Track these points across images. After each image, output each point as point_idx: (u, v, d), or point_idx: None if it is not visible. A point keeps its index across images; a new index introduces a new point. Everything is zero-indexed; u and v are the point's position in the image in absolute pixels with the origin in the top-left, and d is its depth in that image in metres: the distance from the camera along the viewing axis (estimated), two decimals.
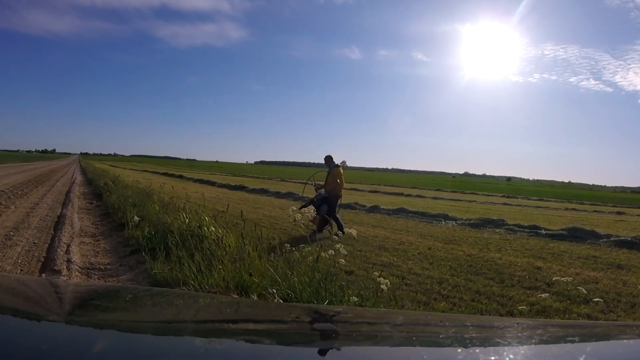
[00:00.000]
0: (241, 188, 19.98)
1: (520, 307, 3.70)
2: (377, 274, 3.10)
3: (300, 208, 4.33)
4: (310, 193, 8.68)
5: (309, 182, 8.61)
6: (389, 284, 2.98)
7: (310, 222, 6.18)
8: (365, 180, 40.22)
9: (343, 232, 6.61)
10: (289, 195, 15.99)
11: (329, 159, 7.95)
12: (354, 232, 3.81)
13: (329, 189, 7.69)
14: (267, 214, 10.20)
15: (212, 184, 23.02)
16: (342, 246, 3.16)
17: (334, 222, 7.40)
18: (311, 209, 3.70)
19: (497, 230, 9.30)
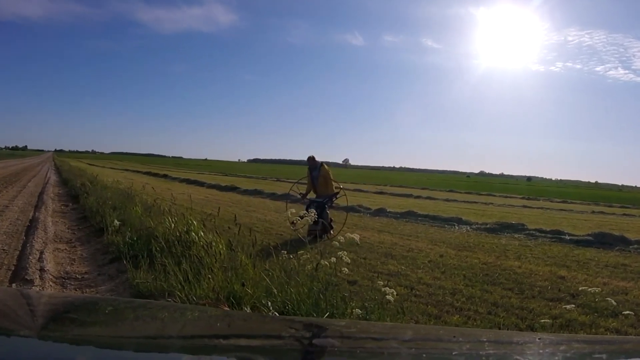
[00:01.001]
0: (233, 189, 19.98)
1: (542, 321, 3.69)
2: (382, 283, 3.09)
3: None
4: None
5: (293, 189, 8.75)
6: (396, 295, 2.98)
7: (300, 227, 6.30)
8: (370, 180, 40.27)
9: (328, 235, 6.67)
10: (285, 197, 15.93)
11: (312, 159, 8.00)
12: (356, 237, 3.80)
13: (322, 192, 7.75)
14: (262, 218, 10.22)
15: (201, 184, 23.03)
16: (345, 253, 3.16)
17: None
18: (311, 214, 3.69)
19: (516, 235, 9.31)
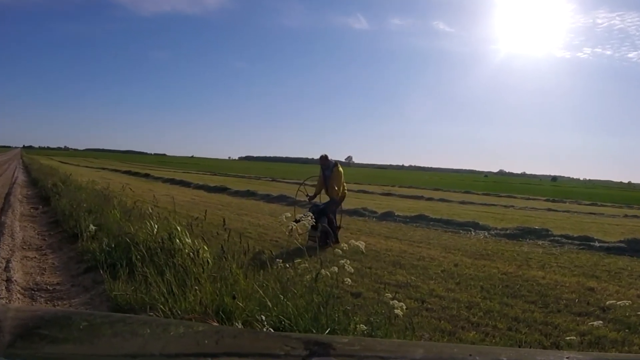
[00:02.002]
0: (222, 190, 20.02)
1: (568, 338, 3.68)
2: (390, 296, 3.11)
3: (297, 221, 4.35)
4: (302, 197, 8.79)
5: (301, 190, 8.69)
6: (405, 308, 2.97)
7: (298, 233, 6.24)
8: (376, 181, 40.29)
9: (333, 242, 6.71)
10: (281, 199, 16.03)
11: (325, 158, 8.09)
12: (361, 244, 3.81)
13: (332, 195, 7.80)
14: (255, 222, 10.25)
15: (187, 184, 23.07)
16: (348, 262, 3.17)
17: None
18: (309, 218, 3.69)
19: (540, 242, 9.32)
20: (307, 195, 8.29)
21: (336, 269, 3.17)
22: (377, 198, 20.65)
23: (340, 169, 8.09)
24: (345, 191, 8.31)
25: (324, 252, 6.06)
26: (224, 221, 4.83)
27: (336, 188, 7.90)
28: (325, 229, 7.53)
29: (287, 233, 3.70)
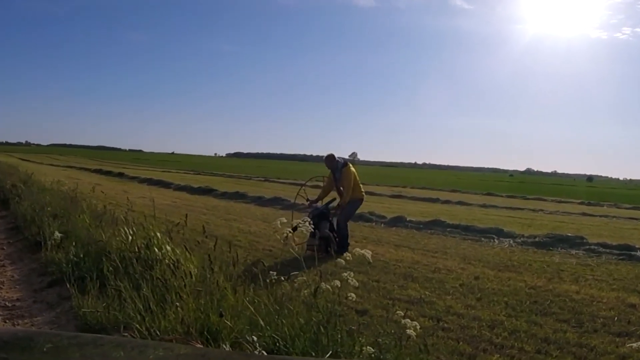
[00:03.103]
0: (207, 191, 20.04)
1: None
2: (401, 313, 3.11)
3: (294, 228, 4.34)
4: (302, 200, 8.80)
5: (300, 194, 8.65)
6: (418, 328, 2.99)
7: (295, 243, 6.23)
8: (385, 181, 40.30)
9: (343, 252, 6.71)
10: (275, 202, 16.04)
11: (331, 158, 8.15)
12: (368, 254, 3.80)
13: (345, 199, 7.91)
14: (245, 229, 10.26)
15: (167, 185, 23.08)
16: (352, 274, 3.17)
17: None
18: (306, 224, 3.67)
19: (573, 251, 9.31)
20: (307, 200, 8.28)
21: (338, 282, 3.18)
22: (386, 200, 20.64)
23: (352, 168, 8.13)
24: (363, 193, 8.34)
25: (324, 263, 6.13)
26: (204, 228, 4.80)
27: (345, 189, 7.91)
28: (325, 234, 7.54)
29: (282, 241, 3.69)
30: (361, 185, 8.33)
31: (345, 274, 3.18)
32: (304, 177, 10.00)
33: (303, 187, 8.80)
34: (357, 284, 3.22)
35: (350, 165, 8.19)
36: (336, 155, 8.22)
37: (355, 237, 9.43)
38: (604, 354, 4.06)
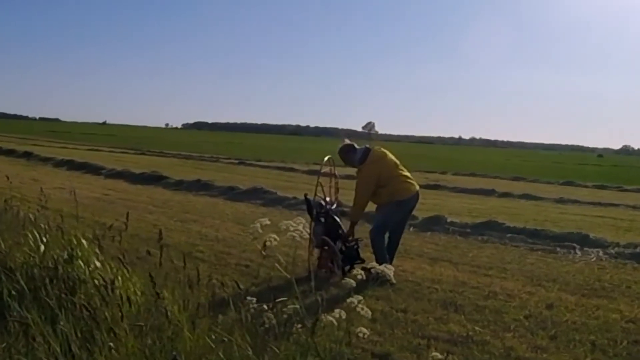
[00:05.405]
0: (155, 179, 17.35)
1: None
2: (441, 358, 2.71)
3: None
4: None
5: (318, 196, 6.80)
6: None
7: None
8: (414, 164, 34.97)
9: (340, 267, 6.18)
10: (254, 195, 13.92)
11: (346, 150, 6.68)
12: (390, 270, 3.31)
13: (351, 212, 6.61)
14: (210, 234, 8.88)
15: (96, 170, 19.91)
16: (363, 301, 2.80)
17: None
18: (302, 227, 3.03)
19: None
20: (323, 200, 6.67)
21: (343, 313, 2.78)
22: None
23: (377, 159, 6.46)
24: (409, 185, 6.55)
25: (326, 284, 5.69)
26: (160, 232, 4.20)
27: (354, 198, 6.52)
28: (324, 245, 6.20)
29: (262, 252, 3.26)
30: (402, 175, 6.58)
31: (354, 300, 2.74)
32: (300, 159, 8.55)
33: (323, 168, 6.90)
34: (369, 313, 2.79)
35: (375, 154, 6.52)
36: (349, 141, 6.71)
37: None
38: None
